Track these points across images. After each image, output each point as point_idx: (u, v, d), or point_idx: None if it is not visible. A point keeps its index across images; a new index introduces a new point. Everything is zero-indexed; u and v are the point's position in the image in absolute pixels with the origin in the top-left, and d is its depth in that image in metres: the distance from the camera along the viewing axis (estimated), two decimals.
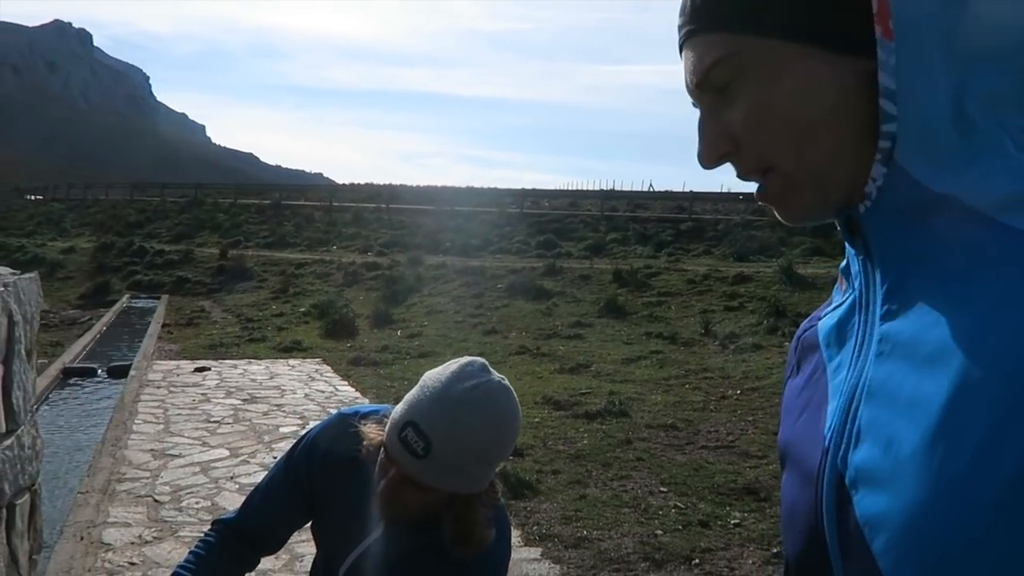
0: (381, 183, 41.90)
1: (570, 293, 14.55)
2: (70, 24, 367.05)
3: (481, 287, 15.42)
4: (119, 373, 8.99)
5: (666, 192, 29.26)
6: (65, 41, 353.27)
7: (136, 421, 6.65)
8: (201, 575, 1.61)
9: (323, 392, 8.17)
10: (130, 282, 19.16)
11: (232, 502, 4.77)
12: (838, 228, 0.63)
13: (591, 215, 25.14)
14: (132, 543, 4.17)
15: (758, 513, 4.71)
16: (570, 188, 36.62)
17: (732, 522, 4.57)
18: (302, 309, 14.70)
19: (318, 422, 1.83)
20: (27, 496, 1.75)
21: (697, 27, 0.61)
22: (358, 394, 8.15)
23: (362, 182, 45.98)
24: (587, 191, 33.28)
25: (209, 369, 9.15)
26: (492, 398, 1.38)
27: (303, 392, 8.12)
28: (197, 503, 4.80)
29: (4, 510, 1.59)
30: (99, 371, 9.30)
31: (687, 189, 26.72)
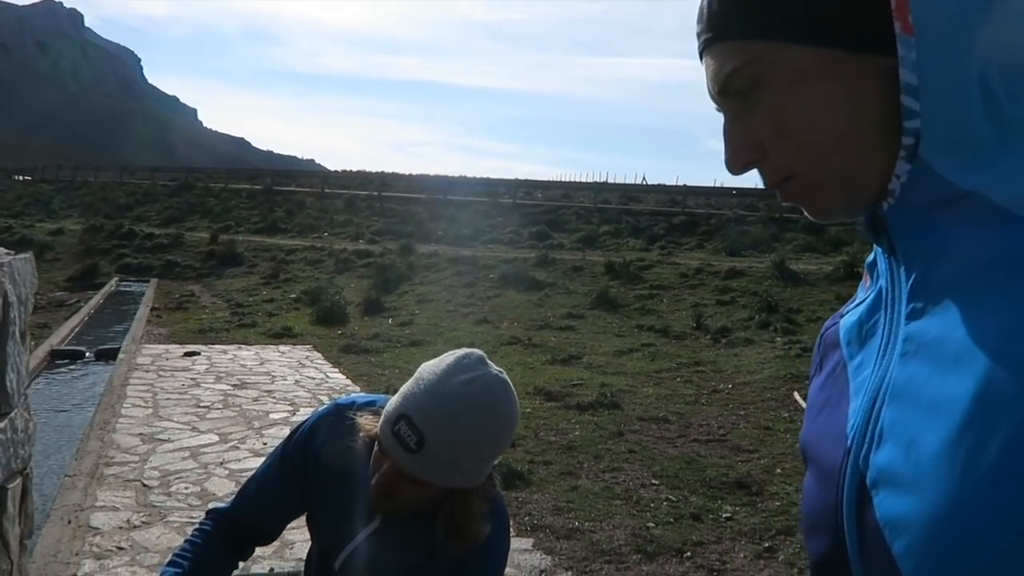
0: (373, 171, 41.75)
1: (562, 284, 14.54)
2: (61, 4, 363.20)
3: (473, 277, 15.39)
4: (107, 356, 8.92)
5: (659, 185, 29.27)
6: (56, 21, 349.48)
7: (125, 405, 6.60)
8: (197, 563, 1.59)
9: (313, 379, 8.14)
10: (119, 265, 19.01)
11: (221, 488, 4.74)
12: (862, 227, 0.62)
13: (584, 207, 25.11)
14: (120, 527, 4.14)
15: (749, 507, 4.72)
16: (563, 179, 36.59)
17: (724, 516, 4.58)
18: (293, 295, 14.63)
19: (311, 410, 1.80)
20: (19, 480, 1.72)
21: (714, 35, 0.60)
22: (348, 381, 8.12)
23: (354, 169, 45.81)
24: (580, 183, 33.24)
25: (199, 354, 9.10)
26: (489, 392, 1.34)
27: (293, 378, 8.09)
28: (186, 488, 4.77)
29: None
30: (87, 354, 9.22)
31: (680, 183, 26.77)
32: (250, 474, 1.74)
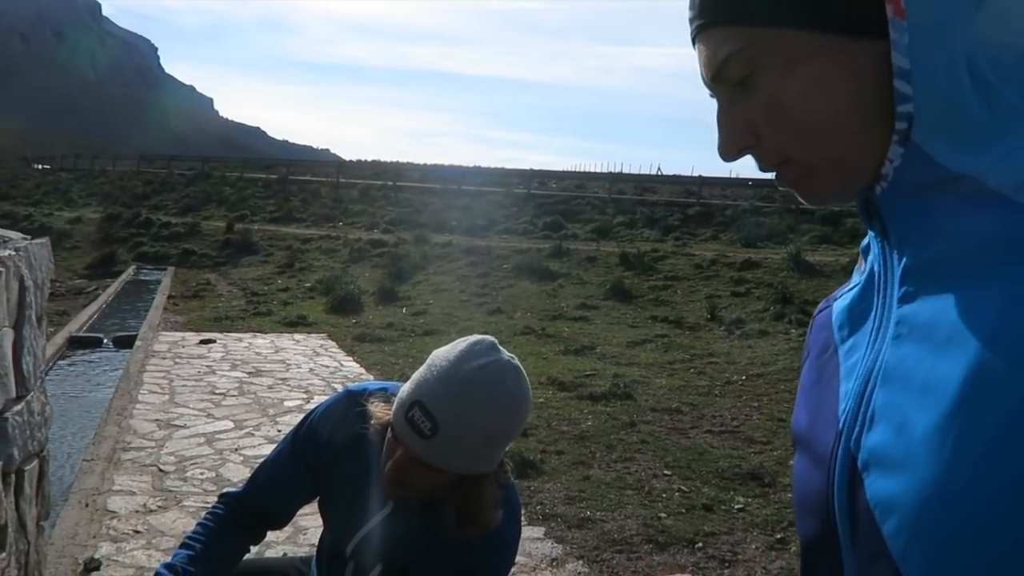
0: (388, 160, 41.80)
1: (576, 275, 14.52)
2: None
3: (487, 267, 15.40)
4: (125, 343, 9.01)
5: (674, 176, 29.14)
6: (74, 10, 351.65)
7: (141, 391, 6.67)
8: (208, 547, 1.61)
9: (328, 367, 8.18)
10: (136, 253, 19.19)
11: (236, 474, 4.79)
12: (856, 210, 0.62)
13: (598, 197, 25.03)
14: (137, 511, 4.19)
15: (762, 499, 4.71)
16: (578, 170, 36.47)
17: (736, 507, 4.57)
18: (307, 284, 14.70)
19: (325, 397, 1.81)
20: (36, 462, 1.75)
21: (707, 21, 0.60)
22: (363, 370, 8.16)
23: (369, 159, 45.87)
24: (595, 173, 33.14)
25: (214, 341, 9.17)
26: (501, 378, 1.35)
27: (308, 367, 8.14)
28: (202, 474, 4.82)
29: (13, 476, 1.59)
30: (105, 341, 9.32)
31: (696, 173, 26.60)
32: (260, 462, 1.75)
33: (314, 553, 1.85)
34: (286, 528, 3.83)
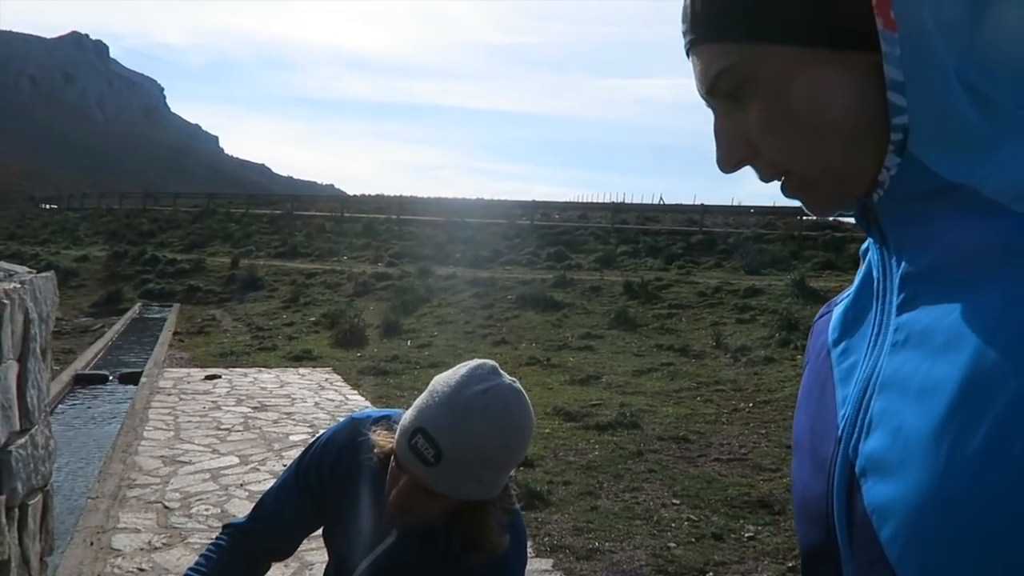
0: (391, 194, 42.07)
1: (580, 305, 14.51)
2: (87, 36, 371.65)
3: (491, 298, 15.41)
4: (130, 380, 9.00)
5: (676, 205, 29.22)
6: (82, 52, 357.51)
7: (147, 427, 6.65)
8: None
9: (333, 401, 8.16)
10: (142, 290, 19.25)
11: (242, 509, 4.75)
12: (854, 217, 0.62)
13: (601, 227, 25.12)
14: (141, 549, 4.16)
15: (772, 527, 4.66)
16: (580, 200, 36.62)
17: (746, 535, 4.52)
18: (312, 318, 14.72)
19: (334, 423, 1.81)
20: (39, 496, 1.74)
21: (699, 36, 0.60)
22: (368, 403, 8.13)
23: (372, 193, 46.19)
24: (597, 203, 33.27)
25: (219, 377, 9.16)
26: (503, 401, 1.34)
27: (313, 401, 8.11)
28: (207, 510, 4.78)
29: (16, 510, 1.58)
30: (110, 378, 9.32)
31: (698, 202, 26.68)
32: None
33: None
34: (291, 564, 3.81)
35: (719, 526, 4.65)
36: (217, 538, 1.68)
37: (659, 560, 4.16)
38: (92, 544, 4.13)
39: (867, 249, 0.65)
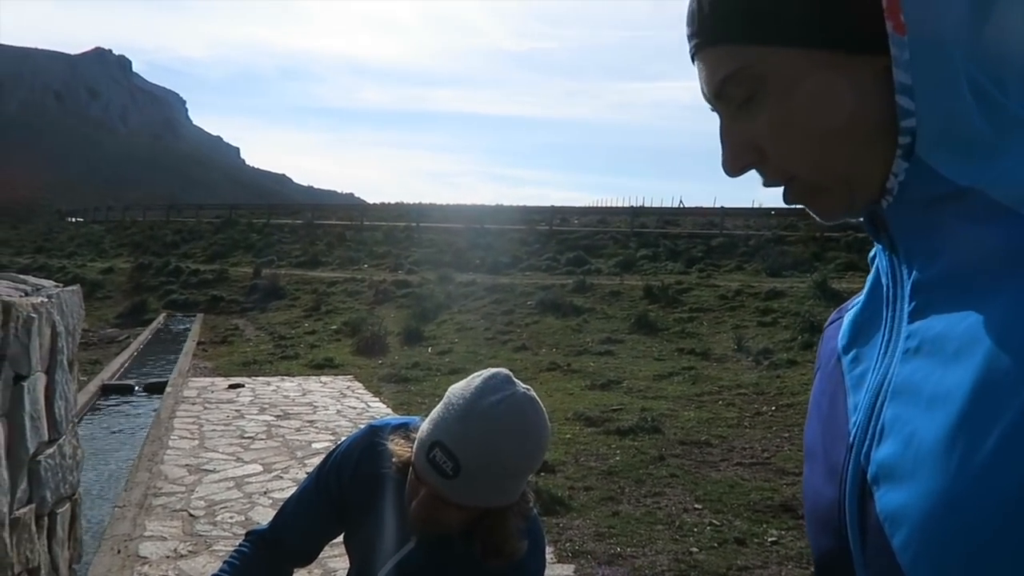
0: (411, 202, 42.30)
1: (600, 309, 14.48)
2: (110, 51, 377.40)
3: (511, 304, 15.42)
4: (155, 390, 9.12)
5: (696, 208, 29.14)
6: (106, 67, 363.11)
7: (172, 437, 6.73)
8: None
9: (355, 408, 8.21)
10: (166, 301, 19.49)
11: (265, 517, 4.79)
12: (863, 225, 0.62)
13: (621, 232, 25.06)
14: (167, 557, 4.21)
15: (796, 531, 4.62)
16: (599, 205, 36.59)
17: (769, 540, 4.48)
18: (334, 327, 14.82)
19: (354, 431, 1.83)
20: (68, 505, 1.78)
21: (705, 40, 0.60)
22: (389, 410, 8.17)
23: (392, 201, 46.43)
24: (616, 208, 33.21)
25: (243, 386, 9.25)
26: (519, 411, 1.35)
27: (335, 408, 8.17)
28: (231, 518, 4.83)
29: (46, 518, 1.62)
30: (136, 388, 9.45)
31: (718, 205, 26.55)
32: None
33: None
34: (315, 571, 3.83)
35: (742, 531, 4.63)
36: (240, 545, 1.71)
37: (681, 565, 4.14)
38: (119, 552, 4.19)
39: (875, 255, 0.64)
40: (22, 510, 1.63)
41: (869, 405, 0.57)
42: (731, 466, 5.99)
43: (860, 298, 0.67)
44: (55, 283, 1.83)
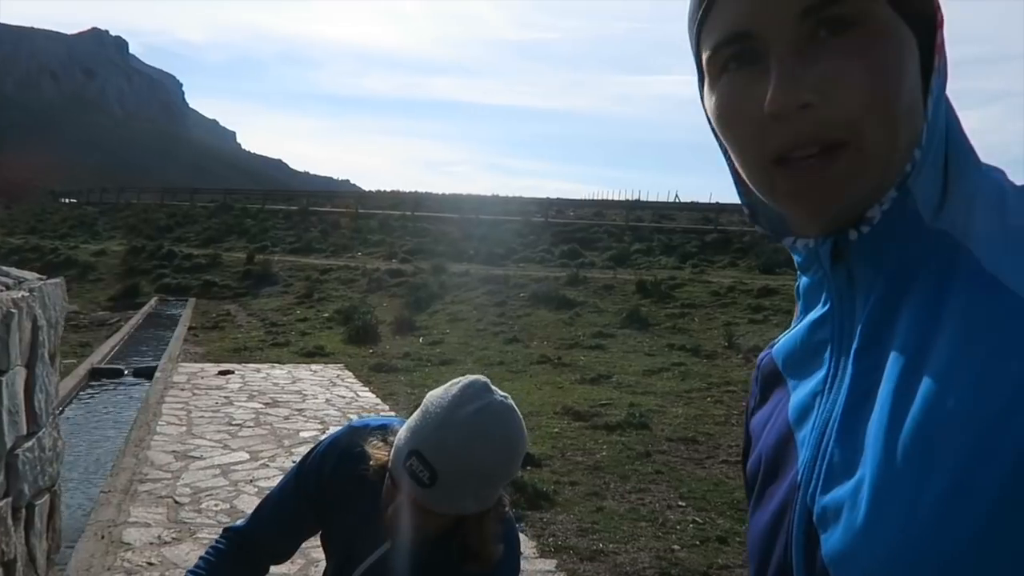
0: (407, 190, 42.23)
1: (593, 303, 14.51)
2: (107, 32, 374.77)
3: (504, 295, 15.44)
4: (145, 374, 9.12)
5: (692, 203, 29.15)
6: (103, 49, 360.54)
7: (160, 422, 6.74)
8: None
9: (344, 398, 8.22)
10: (158, 285, 19.43)
11: (250, 505, 4.80)
12: (823, 254, 0.58)
13: (616, 225, 25.08)
14: (151, 543, 4.22)
15: None
16: (595, 198, 36.59)
17: None
18: (326, 314, 14.81)
19: (334, 430, 1.84)
20: (47, 497, 1.79)
21: None
22: (379, 400, 8.19)
23: (388, 189, 46.30)
24: (612, 201, 33.24)
25: (233, 372, 9.25)
26: (497, 421, 1.35)
27: (324, 397, 8.18)
28: (216, 505, 4.85)
29: (23, 510, 1.63)
30: (126, 372, 9.44)
31: (713, 200, 26.59)
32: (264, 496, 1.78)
33: None
34: (297, 560, 3.85)
35: (724, 529, 4.66)
36: (216, 541, 1.72)
37: (663, 563, 4.17)
38: (103, 538, 4.21)
39: (805, 287, 0.63)
40: None
41: (815, 444, 0.56)
42: (717, 464, 6.03)
43: (793, 333, 0.65)
44: (39, 276, 1.84)
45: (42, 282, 1.77)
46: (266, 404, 7.71)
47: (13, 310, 1.47)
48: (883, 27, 0.52)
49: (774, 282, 14.64)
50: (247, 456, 5.93)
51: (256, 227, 29.24)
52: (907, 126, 0.53)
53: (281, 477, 1.78)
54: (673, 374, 9.63)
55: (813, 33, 0.52)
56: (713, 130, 0.61)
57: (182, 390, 8.15)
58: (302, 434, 6.65)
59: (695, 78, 0.63)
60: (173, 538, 4.31)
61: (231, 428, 6.73)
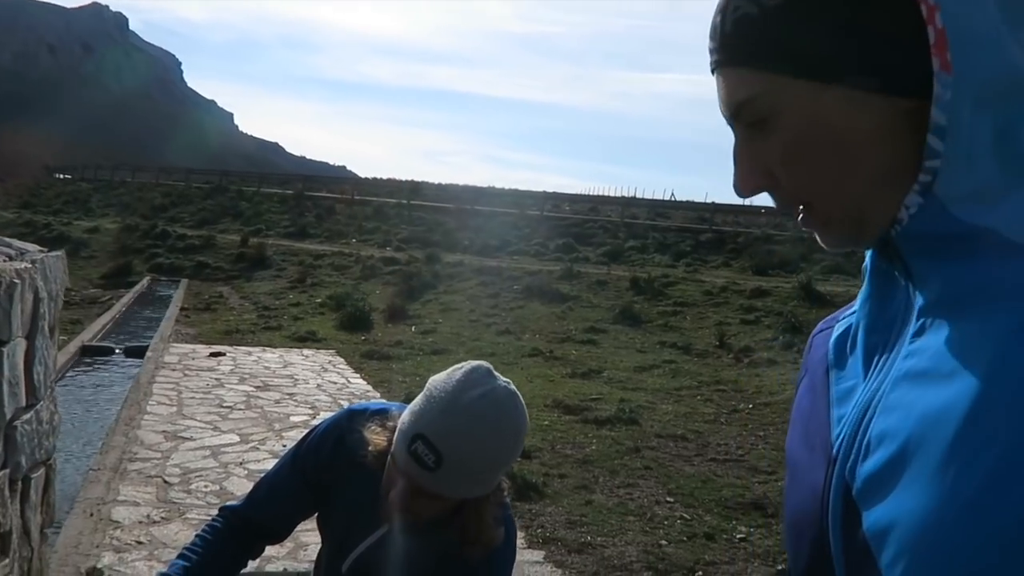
0: (403, 179, 42.13)
1: (586, 298, 14.53)
2: (107, 7, 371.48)
3: (497, 287, 15.44)
4: (136, 353, 9.09)
5: (687, 202, 29.18)
6: (102, 23, 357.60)
7: (150, 402, 6.72)
8: (205, 559, 1.63)
9: (335, 383, 8.22)
10: (151, 264, 19.36)
11: (240, 487, 4.82)
12: (871, 252, 0.62)
13: (611, 221, 25.08)
14: (140, 522, 4.22)
15: (764, 529, 4.69)
16: (592, 193, 36.58)
17: (738, 536, 4.55)
18: (318, 300, 14.78)
19: (330, 414, 1.84)
20: (42, 470, 1.79)
21: (725, 59, 0.59)
22: (370, 387, 8.19)
23: (384, 177, 46.19)
24: (609, 197, 33.20)
25: (224, 354, 9.23)
26: (500, 406, 1.37)
27: (315, 382, 8.18)
28: (206, 486, 4.85)
29: (20, 483, 1.63)
30: (117, 350, 9.41)
31: (709, 200, 26.63)
32: (261, 477, 1.78)
33: (312, 570, 1.87)
34: (287, 543, 3.86)
35: (711, 526, 4.69)
36: (212, 520, 1.73)
37: (650, 557, 4.20)
38: (92, 515, 4.20)
39: (870, 270, 0.64)
40: None
41: (856, 419, 0.57)
42: (705, 461, 6.06)
43: (852, 310, 0.66)
44: (40, 247, 1.83)
45: (44, 254, 1.77)
46: (257, 387, 7.70)
47: (16, 280, 1.46)
48: (803, 114, 0.56)
49: (767, 284, 14.69)
50: (237, 438, 5.92)
51: (251, 210, 29.13)
52: (869, 171, 0.56)
53: (272, 460, 1.79)
54: (664, 371, 9.66)
55: (748, 128, 0.59)
56: None
57: (173, 370, 8.13)
58: (293, 418, 6.65)
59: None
60: (162, 517, 4.31)
61: (222, 410, 6.72)
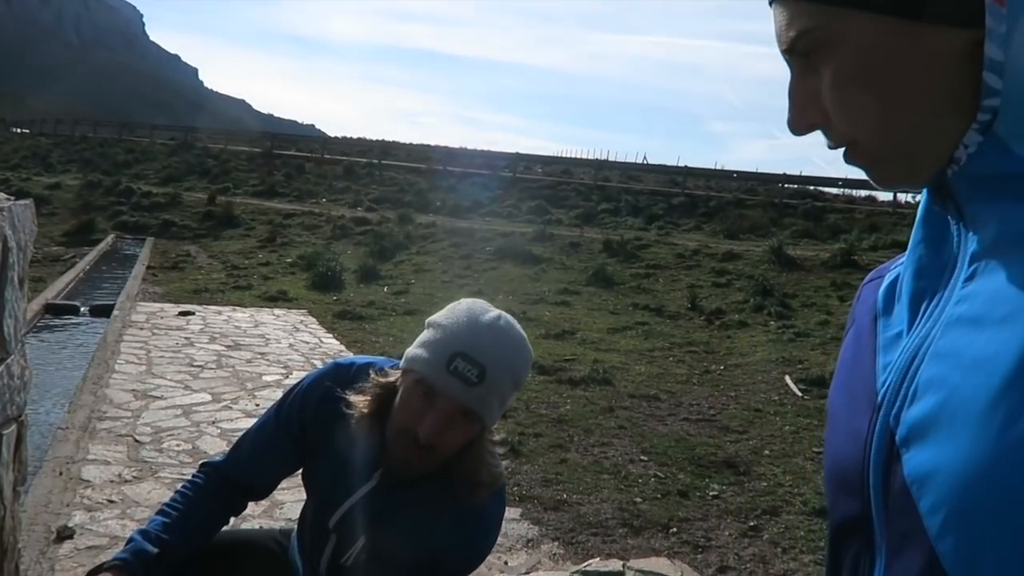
0: (374, 138, 41.52)
1: (559, 260, 14.54)
2: None
3: (470, 249, 15.38)
4: (102, 312, 8.91)
5: (660, 165, 29.20)
6: None
7: (118, 361, 6.61)
8: (185, 515, 1.60)
9: (307, 343, 8.15)
10: (115, 222, 18.93)
11: (213, 446, 4.77)
12: (926, 193, 0.60)
13: (584, 184, 25.04)
14: (111, 481, 4.16)
15: (736, 487, 4.77)
16: (564, 155, 36.40)
17: (711, 494, 4.63)
18: (289, 260, 14.61)
19: (304, 373, 1.80)
20: (14, 427, 1.73)
21: None
22: (343, 347, 8.14)
23: (354, 136, 45.51)
24: (581, 159, 33.08)
25: (193, 314, 9.10)
26: (514, 326, 1.46)
27: (287, 342, 8.10)
28: (178, 445, 4.79)
29: None
30: (82, 309, 9.22)
31: (681, 164, 26.67)
32: (242, 433, 1.74)
33: (293, 526, 1.85)
34: (263, 503, 3.83)
35: (685, 484, 4.76)
36: (194, 476, 1.69)
37: (625, 514, 4.25)
38: (61, 474, 4.13)
39: (923, 211, 0.63)
40: None
41: (904, 366, 0.56)
42: (678, 421, 6.14)
43: (902, 259, 0.66)
44: (7, 196, 1.75)
45: (11, 203, 1.69)
46: (228, 347, 7.61)
47: None
48: (857, 47, 0.55)
49: (738, 247, 14.82)
50: (209, 397, 5.85)
51: (218, 168, 28.57)
52: (922, 108, 0.54)
53: (245, 419, 1.76)
54: (637, 333, 9.73)
55: (803, 62, 0.59)
56: None
57: (141, 329, 7.99)
58: (265, 377, 6.58)
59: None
60: (134, 476, 4.25)
61: (192, 369, 6.63)
